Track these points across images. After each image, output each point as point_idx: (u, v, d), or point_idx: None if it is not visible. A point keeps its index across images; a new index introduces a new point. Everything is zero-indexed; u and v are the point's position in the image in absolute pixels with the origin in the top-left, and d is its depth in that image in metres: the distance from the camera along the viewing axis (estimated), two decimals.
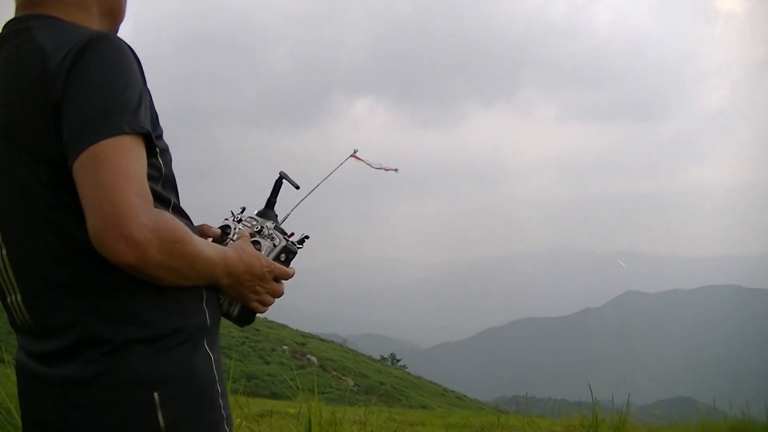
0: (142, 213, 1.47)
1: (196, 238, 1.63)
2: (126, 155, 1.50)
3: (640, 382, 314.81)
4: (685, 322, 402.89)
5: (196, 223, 1.91)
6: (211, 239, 1.94)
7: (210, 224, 2.01)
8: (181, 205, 1.81)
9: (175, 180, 1.80)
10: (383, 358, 72.74)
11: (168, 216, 1.56)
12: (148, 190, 1.53)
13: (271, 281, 1.90)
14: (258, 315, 2.01)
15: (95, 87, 1.55)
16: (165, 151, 1.74)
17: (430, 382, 57.17)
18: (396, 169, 2.59)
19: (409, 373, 60.31)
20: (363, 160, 2.46)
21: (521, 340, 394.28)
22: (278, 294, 1.95)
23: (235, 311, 1.93)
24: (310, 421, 4.33)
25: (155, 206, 1.55)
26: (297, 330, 57.19)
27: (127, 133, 1.52)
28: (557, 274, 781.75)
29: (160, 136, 1.71)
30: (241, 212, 2.06)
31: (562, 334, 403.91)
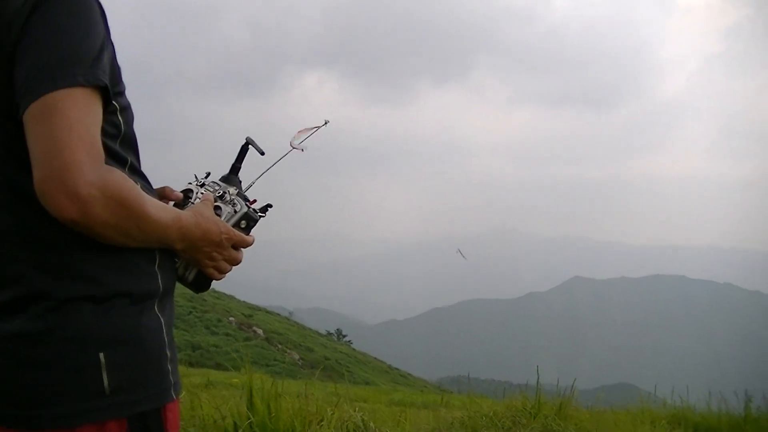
0: (90, 169, 1.39)
1: (148, 199, 1.54)
2: (78, 108, 1.42)
3: (584, 367, 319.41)
4: (630, 310, 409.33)
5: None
6: (172, 203, 1.87)
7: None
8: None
9: (135, 140, 1.71)
10: (329, 333, 72.87)
11: (118, 174, 1.47)
12: (100, 146, 1.45)
13: (228, 248, 1.83)
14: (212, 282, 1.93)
15: (53, 35, 1.46)
16: (126, 109, 1.66)
17: (375, 359, 57.51)
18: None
19: (354, 349, 60.56)
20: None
21: (467, 321, 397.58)
22: (236, 261, 1.89)
23: (191, 276, 1.86)
24: (251, 391, 4.27)
25: (110, 165, 1.49)
26: (244, 302, 57.07)
27: (82, 85, 1.44)
28: (506, 257, 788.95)
29: (121, 93, 1.64)
30: (206, 177, 1.98)
31: (508, 317, 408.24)
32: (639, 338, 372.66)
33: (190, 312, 41.84)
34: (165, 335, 1.65)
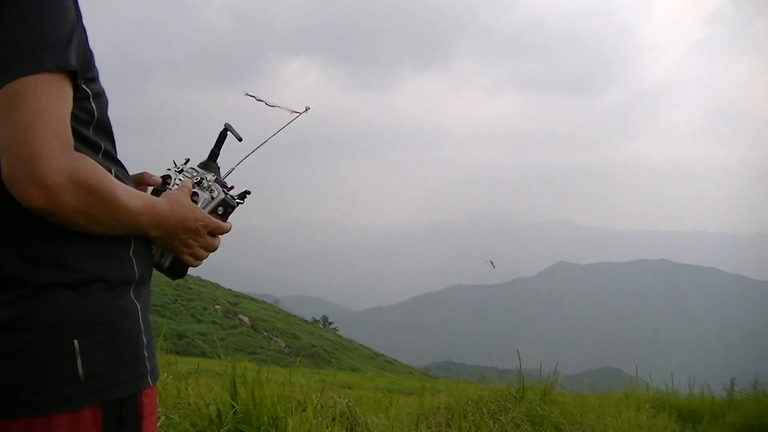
0: (59, 156, 1.37)
1: (120, 185, 1.52)
2: (47, 94, 1.40)
3: (569, 352, 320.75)
4: (615, 295, 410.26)
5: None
6: (151, 188, 1.87)
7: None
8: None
9: (110, 126, 1.67)
10: (315, 321, 72.95)
11: (88, 161, 1.45)
12: (69, 133, 1.43)
13: (205, 235, 1.83)
14: (191, 271, 1.94)
15: (21, 19, 1.42)
16: (100, 95, 1.63)
17: (361, 345, 57.66)
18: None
19: (340, 336, 60.69)
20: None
21: (453, 307, 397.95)
22: (212, 248, 1.89)
23: (167, 263, 1.86)
24: (234, 379, 4.27)
25: (82, 151, 1.48)
26: (230, 290, 57.07)
27: (51, 71, 1.42)
28: (491, 242, 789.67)
29: (94, 79, 1.61)
30: (185, 163, 1.97)
31: (494, 302, 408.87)
32: (623, 322, 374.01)
33: (176, 300, 41.79)
34: (141, 321, 1.63)
